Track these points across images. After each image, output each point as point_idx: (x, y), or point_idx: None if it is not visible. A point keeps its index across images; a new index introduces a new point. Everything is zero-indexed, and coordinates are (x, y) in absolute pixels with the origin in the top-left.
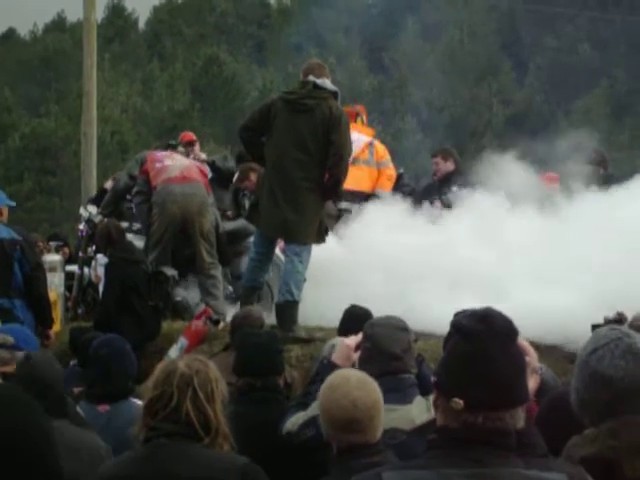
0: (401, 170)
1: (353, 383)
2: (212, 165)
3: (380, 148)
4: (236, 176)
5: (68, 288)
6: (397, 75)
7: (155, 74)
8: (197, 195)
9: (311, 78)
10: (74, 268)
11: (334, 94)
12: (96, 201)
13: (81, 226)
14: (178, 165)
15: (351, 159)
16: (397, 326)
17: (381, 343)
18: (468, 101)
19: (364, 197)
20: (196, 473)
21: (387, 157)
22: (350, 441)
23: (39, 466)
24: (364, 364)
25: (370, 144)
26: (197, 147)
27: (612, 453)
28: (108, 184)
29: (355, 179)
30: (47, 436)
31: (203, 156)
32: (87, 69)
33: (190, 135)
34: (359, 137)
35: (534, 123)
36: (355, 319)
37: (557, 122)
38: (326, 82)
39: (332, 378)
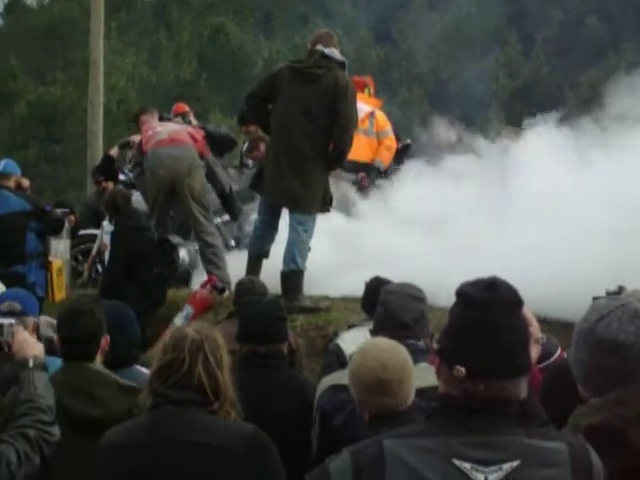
0: (408, 141)
1: (381, 347)
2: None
3: (381, 118)
4: (245, 146)
5: (82, 252)
6: (404, 46)
7: (162, 43)
8: (185, 157)
9: (319, 47)
10: (91, 231)
11: (341, 64)
12: (101, 169)
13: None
14: (168, 130)
15: None
16: (411, 295)
17: (393, 311)
18: (474, 73)
19: (362, 167)
20: (204, 440)
21: (387, 127)
22: (380, 404)
23: None
24: (377, 329)
25: (371, 114)
26: (191, 116)
27: (619, 422)
28: (113, 151)
29: (353, 149)
30: None
31: (194, 122)
32: (94, 37)
33: (182, 106)
34: (361, 107)
35: (541, 95)
36: (375, 292)
37: (564, 95)
38: (334, 52)
39: (362, 344)
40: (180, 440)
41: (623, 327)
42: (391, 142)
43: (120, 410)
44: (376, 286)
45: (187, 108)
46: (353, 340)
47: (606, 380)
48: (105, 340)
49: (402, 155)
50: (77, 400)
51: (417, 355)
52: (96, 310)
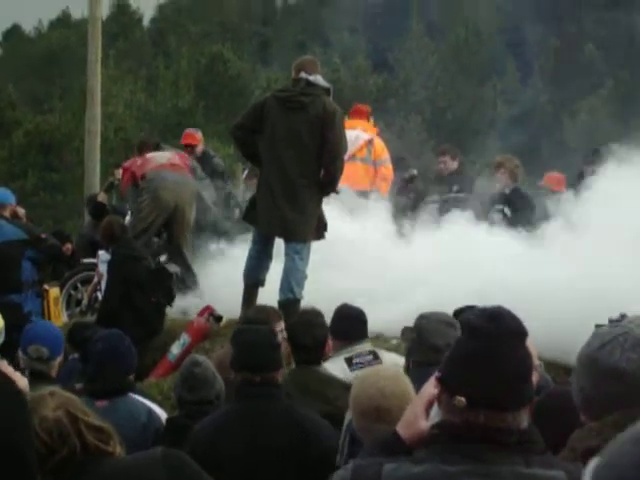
0: (414, 172)
1: (383, 374)
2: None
3: (379, 146)
4: (245, 173)
5: (82, 281)
6: (401, 74)
7: (160, 71)
8: (189, 185)
9: (303, 75)
10: (92, 260)
11: (327, 90)
12: (94, 215)
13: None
14: (163, 155)
15: (347, 156)
16: (444, 321)
17: (425, 335)
18: (472, 101)
19: (359, 194)
20: None
21: (385, 156)
22: (379, 431)
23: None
24: (409, 355)
25: (369, 142)
26: (199, 149)
27: None
28: (101, 196)
29: (349, 176)
30: (25, 428)
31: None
32: (91, 65)
33: (194, 137)
34: (360, 134)
35: (538, 123)
36: (347, 318)
37: (561, 123)
38: (318, 78)
39: (364, 371)
40: None
41: (626, 355)
42: (387, 171)
43: (345, 408)
44: (345, 313)
45: (198, 139)
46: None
47: (607, 407)
48: (328, 346)
49: (406, 186)
50: (309, 398)
51: None
52: (324, 322)
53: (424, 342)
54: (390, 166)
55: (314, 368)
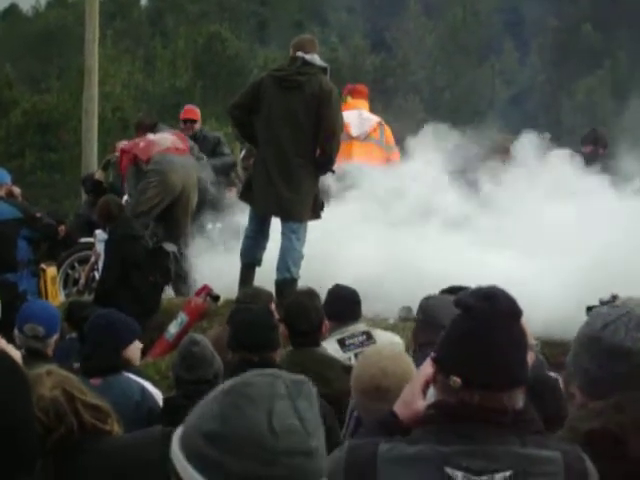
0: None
1: (385, 354)
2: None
3: (388, 131)
4: (242, 154)
5: (79, 260)
6: (399, 54)
7: (157, 51)
8: (194, 168)
9: (300, 54)
10: (89, 239)
11: (324, 70)
12: (92, 193)
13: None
14: (167, 138)
15: (363, 136)
16: (452, 301)
17: (432, 314)
18: (470, 81)
19: None
20: None
21: (393, 140)
22: (379, 410)
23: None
24: (415, 335)
25: (380, 124)
26: (197, 125)
27: (618, 429)
28: (98, 174)
29: (367, 154)
30: (26, 406)
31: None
32: (89, 44)
33: (194, 112)
34: (370, 116)
35: (536, 103)
36: (339, 299)
37: (559, 103)
38: (315, 58)
39: (366, 350)
40: None
41: (631, 334)
42: (398, 158)
43: (344, 389)
44: (338, 294)
45: (198, 115)
46: None
47: (610, 387)
48: (325, 326)
49: None
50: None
51: None
52: (319, 304)
53: (431, 322)
54: (398, 152)
55: (312, 349)
